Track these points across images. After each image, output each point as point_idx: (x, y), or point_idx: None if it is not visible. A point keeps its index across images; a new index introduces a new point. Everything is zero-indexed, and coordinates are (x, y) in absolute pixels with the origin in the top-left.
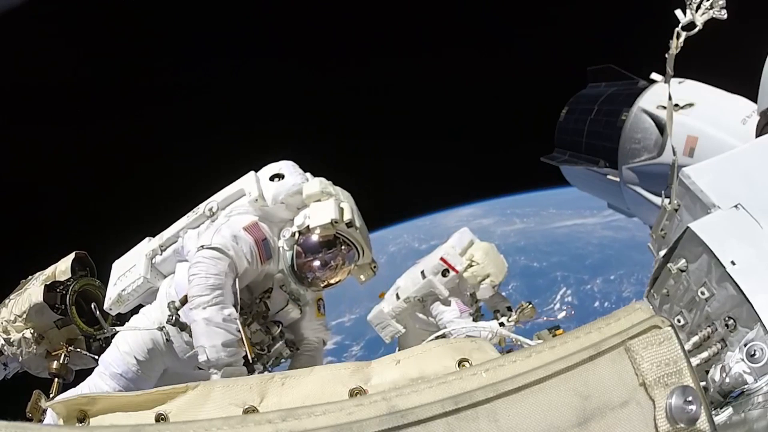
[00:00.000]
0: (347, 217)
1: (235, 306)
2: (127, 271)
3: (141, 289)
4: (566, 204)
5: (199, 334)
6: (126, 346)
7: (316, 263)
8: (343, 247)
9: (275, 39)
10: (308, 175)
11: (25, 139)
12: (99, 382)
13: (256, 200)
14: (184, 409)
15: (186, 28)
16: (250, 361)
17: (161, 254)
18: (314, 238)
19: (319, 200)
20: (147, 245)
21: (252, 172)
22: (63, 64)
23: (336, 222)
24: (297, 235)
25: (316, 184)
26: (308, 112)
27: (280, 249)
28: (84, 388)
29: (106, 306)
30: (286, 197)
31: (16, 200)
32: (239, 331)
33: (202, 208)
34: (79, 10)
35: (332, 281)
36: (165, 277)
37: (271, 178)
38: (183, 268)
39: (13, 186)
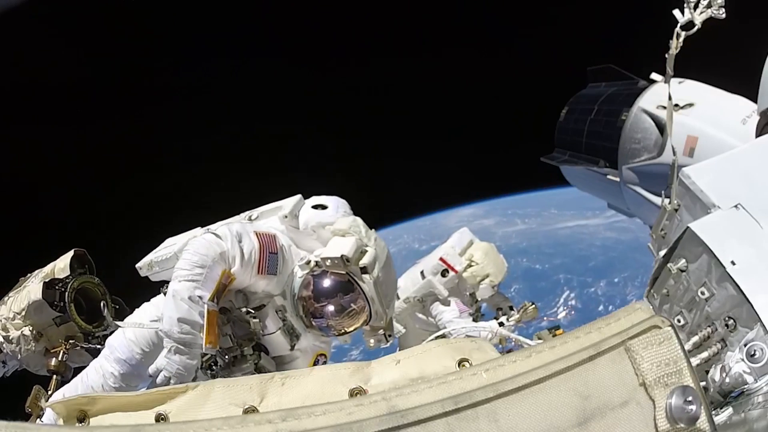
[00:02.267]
0: (364, 261)
1: (215, 298)
2: (169, 246)
3: (168, 263)
4: (568, 204)
5: (165, 302)
6: (132, 334)
7: (320, 304)
8: (350, 294)
9: (275, 39)
10: (359, 220)
11: (25, 139)
12: (104, 363)
13: (286, 217)
14: (184, 409)
15: (186, 28)
16: (204, 351)
17: None
18: (326, 278)
19: (344, 235)
20: (195, 231)
21: (299, 195)
22: (63, 64)
23: (347, 260)
24: (312, 263)
25: (347, 221)
26: (308, 112)
27: (294, 274)
28: (90, 369)
29: (137, 264)
30: (317, 226)
31: (16, 200)
32: (203, 316)
33: (245, 214)
34: (79, 10)
35: (334, 327)
36: None
37: (315, 207)
38: None
39: (13, 186)
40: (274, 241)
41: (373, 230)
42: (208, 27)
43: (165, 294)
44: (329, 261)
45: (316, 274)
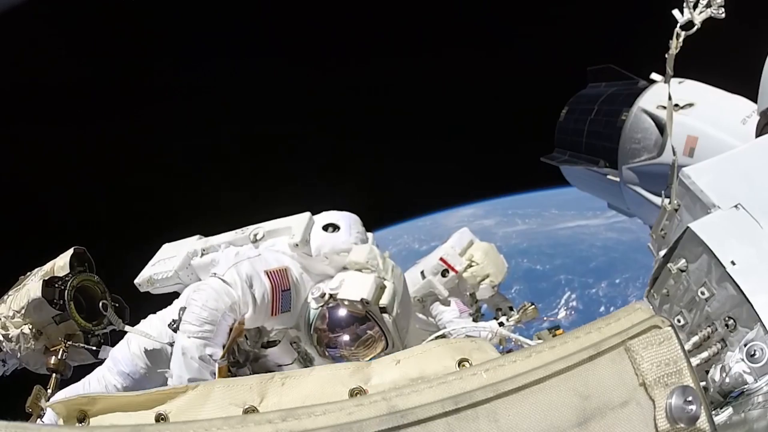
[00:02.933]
0: (384, 301)
1: (224, 346)
2: (167, 258)
3: (169, 282)
4: (568, 204)
5: (174, 358)
6: (136, 348)
7: (335, 335)
8: (369, 331)
9: (275, 39)
10: (370, 235)
11: (25, 139)
12: (108, 375)
13: (297, 245)
14: (184, 409)
15: (186, 28)
16: None
17: (200, 257)
18: (342, 309)
19: (361, 270)
20: (194, 242)
21: (308, 214)
22: (63, 64)
23: (366, 302)
24: (327, 296)
25: (364, 252)
26: (308, 112)
27: (308, 303)
28: (92, 379)
29: (136, 281)
30: (330, 253)
31: (16, 200)
32: (214, 375)
33: (249, 230)
34: (79, 10)
35: (347, 358)
36: (197, 280)
37: (325, 227)
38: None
39: (13, 186)
40: (286, 277)
41: (389, 257)
42: (208, 27)
43: (174, 329)
44: (347, 302)
45: (331, 306)
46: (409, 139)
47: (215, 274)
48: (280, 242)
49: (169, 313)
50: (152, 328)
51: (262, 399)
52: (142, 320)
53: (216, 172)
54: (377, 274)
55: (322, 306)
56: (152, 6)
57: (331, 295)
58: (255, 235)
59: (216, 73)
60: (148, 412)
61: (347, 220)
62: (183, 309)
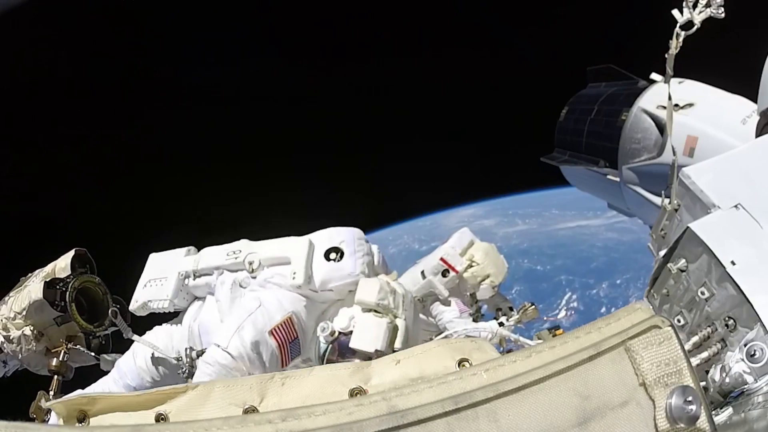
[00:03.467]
0: (398, 343)
1: None
2: (157, 280)
3: (166, 309)
4: (569, 204)
5: None
6: (143, 361)
7: (346, 359)
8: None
9: (275, 39)
10: (374, 249)
11: (25, 139)
12: (113, 387)
13: (299, 287)
14: (184, 409)
15: (186, 28)
16: None
17: (194, 280)
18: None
19: (370, 311)
20: (183, 260)
21: (307, 241)
22: (63, 64)
23: (381, 351)
24: (337, 334)
25: (374, 291)
26: (308, 112)
27: (317, 337)
28: (97, 388)
29: (131, 307)
30: (338, 288)
31: (17, 200)
32: None
33: (243, 255)
34: (79, 10)
35: None
36: (195, 298)
37: (327, 254)
38: (212, 305)
39: (13, 186)
40: (292, 327)
41: (395, 281)
42: (208, 27)
43: (184, 374)
44: (360, 350)
45: (340, 341)
46: (410, 139)
47: (218, 345)
48: (280, 275)
49: (177, 331)
50: (158, 340)
51: (262, 399)
52: (147, 332)
53: (216, 172)
54: (389, 318)
55: (333, 341)
56: (152, 6)
57: (340, 333)
58: (251, 263)
59: (217, 74)
60: (148, 412)
61: (350, 241)
62: (190, 350)
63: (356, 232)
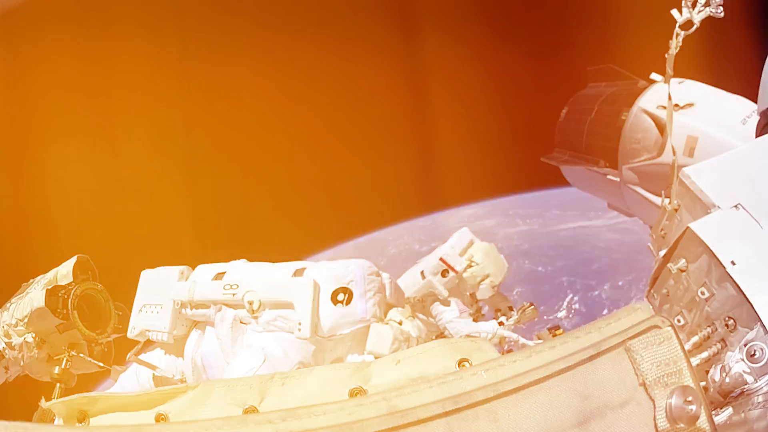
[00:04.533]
0: None
1: None
2: (153, 306)
3: (165, 341)
4: (570, 205)
5: None
6: (146, 381)
7: None
8: None
9: (275, 39)
10: (385, 279)
11: (25, 139)
12: None
13: (307, 339)
14: (184, 409)
15: (186, 27)
16: None
17: (191, 311)
18: None
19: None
20: (177, 285)
21: (312, 282)
22: (63, 64)
23: None
24: None
25: (386, 342)
26: (308, 112)
27: None
28: None
29: (128, 334)
30: (346, 334)
31: (16, 200)
32: None
33: (240, 292)
34: (78, 10)
35: None
36: (191, 326)
37: (334, 296)
38: (213, 338)
39: (13, 186)
40: None
41: (409, 317)
42: (208, 27)
43: None
44: None
45: None
46: (409, 138)
47: None
48: (283, 319)
49: (180, 363)
50: (161, 361)
51: (262, 399)
52: (149, 353)
53: (216, 172)
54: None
55: None
56: (152, 6)
57: None
58: (251, 303)
59: (216, 74)
60: (148, 412)
61: (359, 280)
62: None
63: (365, 266)
